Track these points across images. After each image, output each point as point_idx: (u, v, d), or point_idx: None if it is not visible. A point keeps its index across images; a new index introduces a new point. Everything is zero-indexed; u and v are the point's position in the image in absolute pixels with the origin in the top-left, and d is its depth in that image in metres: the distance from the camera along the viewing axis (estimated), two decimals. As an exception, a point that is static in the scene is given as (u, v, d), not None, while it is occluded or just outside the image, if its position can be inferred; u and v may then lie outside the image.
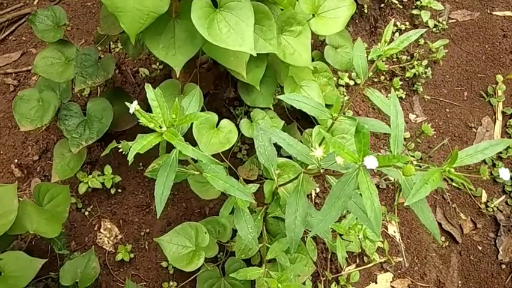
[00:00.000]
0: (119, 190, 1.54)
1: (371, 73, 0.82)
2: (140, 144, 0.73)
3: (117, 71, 1.81)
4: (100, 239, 1.46)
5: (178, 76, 1.08)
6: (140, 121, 0.77)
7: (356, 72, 1.97)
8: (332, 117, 0.91)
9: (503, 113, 2.02)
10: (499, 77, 2.05)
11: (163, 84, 1.25)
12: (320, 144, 0.92)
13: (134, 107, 0.72)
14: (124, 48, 1.42)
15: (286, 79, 1.36)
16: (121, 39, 1.39)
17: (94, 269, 1.25)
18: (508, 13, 2.31)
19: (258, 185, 1.07)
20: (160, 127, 0.75)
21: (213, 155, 1.65)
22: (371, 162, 0.61)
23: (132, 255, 1.42)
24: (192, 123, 1.16)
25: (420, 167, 1.84)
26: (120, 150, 1.03)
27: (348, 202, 0.75)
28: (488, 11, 2.31)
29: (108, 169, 1.47)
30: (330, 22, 1.29)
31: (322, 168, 0.92)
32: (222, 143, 1.15)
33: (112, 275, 1.41)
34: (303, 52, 1.25)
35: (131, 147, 0.73)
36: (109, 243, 1.45)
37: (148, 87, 0.76)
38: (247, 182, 1.50)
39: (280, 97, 0.90)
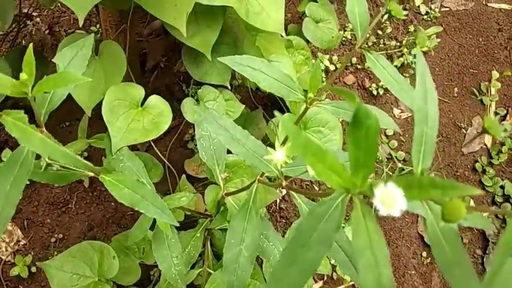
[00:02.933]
0: (28, 182, 1.12)
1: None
2: None
3: (47, 32, 1.38)
4: (-4, 244, 1.04)
5: (81, 24, 0.66)
6: None
7: (337, 56, 1.60)
8: (306, 98, 0.52)
9: (495, 113, 1.70)
10: (495, 74, 1.72)
11: (68, 37, 0.82)
12: (284, 143, 0.54)
13: None
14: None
15: (250, 50, 0.97)
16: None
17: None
18: (504, 6, 1.99)
19: (192, 195, 0.68)
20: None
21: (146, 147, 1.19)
22: (391, 198, 0.23)
23: (35, 269, 1.01)
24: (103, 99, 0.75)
25: (403, 169, 1.50)
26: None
27: (325, 253, 0.38)
28: (484, 2, 1.97)
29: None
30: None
31: (284, 180, 0.53)
32: (147, 130, 0.73)
33: (7, 293, 1.00)
34: (274, 12, 0.86)
35: None
36: (7, 250, 1.03)
37: None
38: (195, 180, 1.11)
39: (222, 59, 0.51)
